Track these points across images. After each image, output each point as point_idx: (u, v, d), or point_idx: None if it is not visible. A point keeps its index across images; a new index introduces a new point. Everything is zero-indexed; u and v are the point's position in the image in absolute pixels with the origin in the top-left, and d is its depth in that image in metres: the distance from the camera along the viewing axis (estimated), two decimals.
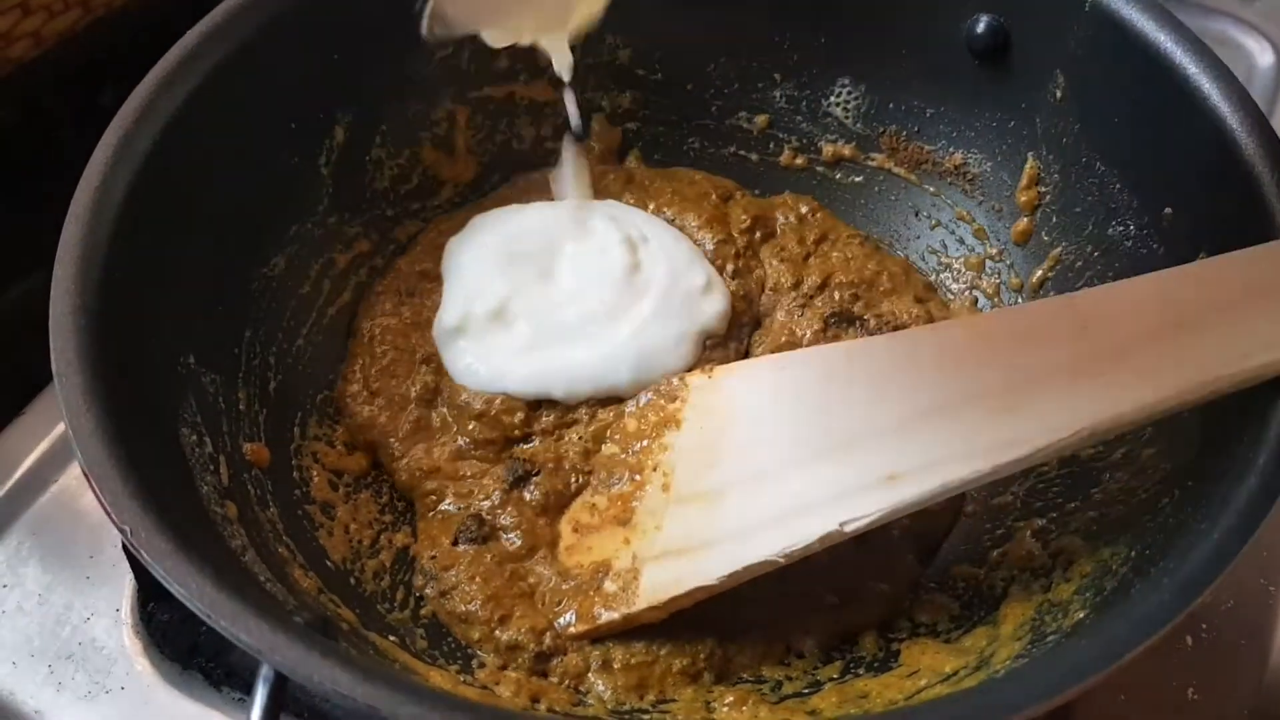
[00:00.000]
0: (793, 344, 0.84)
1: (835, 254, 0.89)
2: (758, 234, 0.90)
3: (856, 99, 0.92)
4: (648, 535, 0.71)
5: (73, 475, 0.85)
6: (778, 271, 0.88)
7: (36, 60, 0.99)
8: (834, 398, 0.68)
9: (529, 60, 0.90)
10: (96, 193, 0.66)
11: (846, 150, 0.93)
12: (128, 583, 0.78)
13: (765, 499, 0.67)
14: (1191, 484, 0.64)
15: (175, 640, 0.76)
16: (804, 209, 0.91)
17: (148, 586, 0.77)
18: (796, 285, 0.87)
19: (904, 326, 0.84)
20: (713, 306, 0.83)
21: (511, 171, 0.94)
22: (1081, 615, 0.62)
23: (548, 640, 0.71)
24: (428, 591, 0.75)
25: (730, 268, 0.87)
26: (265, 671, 0.54)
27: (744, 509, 0.68)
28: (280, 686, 0.55)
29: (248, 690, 0.72)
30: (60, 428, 0.86)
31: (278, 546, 0.69)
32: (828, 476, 0.65)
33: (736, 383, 0.75)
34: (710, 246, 0.88)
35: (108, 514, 0.56)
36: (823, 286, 0.87)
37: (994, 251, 0.88)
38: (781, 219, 0.91)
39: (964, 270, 0.89)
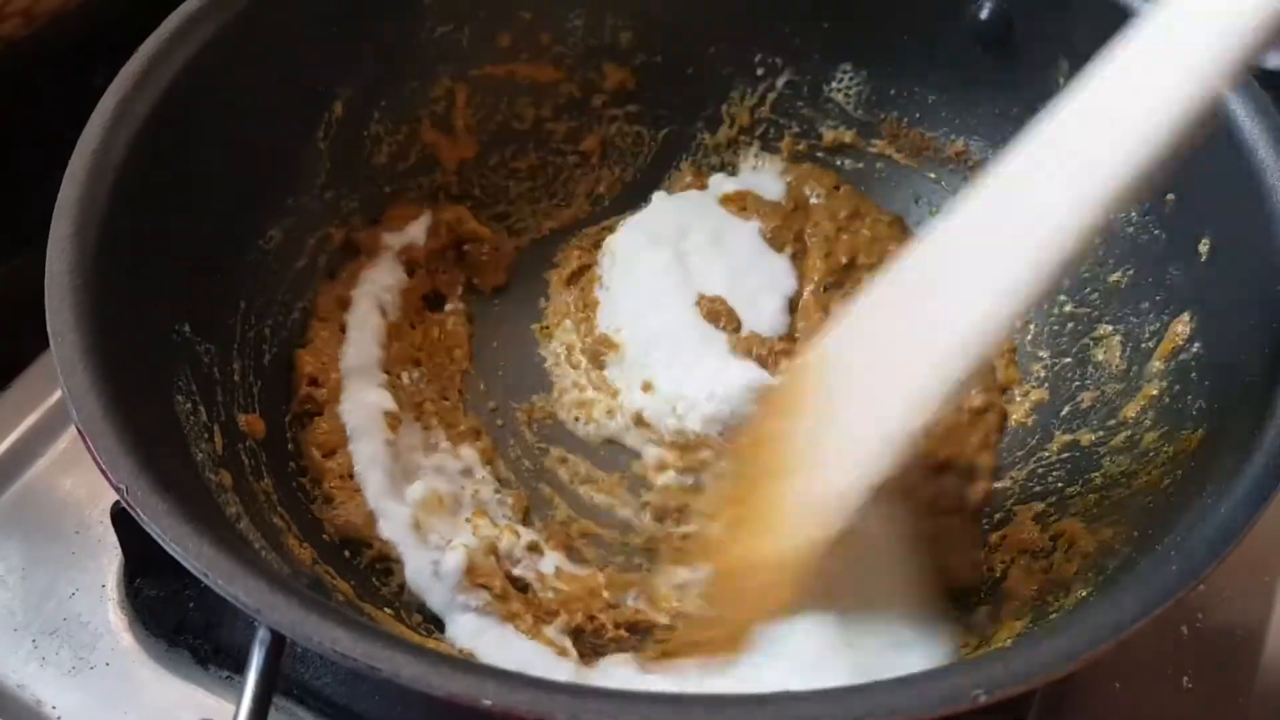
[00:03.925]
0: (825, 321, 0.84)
1: (865, 231, 0.89)
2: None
3: (858, 85, 0.92)
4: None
5: (58, 450, 0.83)
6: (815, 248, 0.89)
7: (27, 39, 0.98)
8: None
9: (530, 38, 0.90)
10: (95, 155, 0.66)
11: (847, 136, 0.93)
12: (114, 558, 0.77)
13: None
14: (1194, 464, 0.64)
15: (162, 617, 0.74)
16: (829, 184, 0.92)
17: (134, 561, 0.76)
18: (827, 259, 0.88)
19: None
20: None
21: (512, 152, 0.93)
22: (1084, 593, 0.62)
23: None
24: None
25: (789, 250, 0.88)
26: (262, 634, 0.53)
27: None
28: (277, 651, 0.54)
29: (235, 668, 0.72)
30: (45, 404, 0.85)
31: (272, 517, 0.68)
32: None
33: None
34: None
35: (103, 473, 0.55)
36: (850, 266, 0.87)
37: None
38: (811, 194, 0.92)
39: None
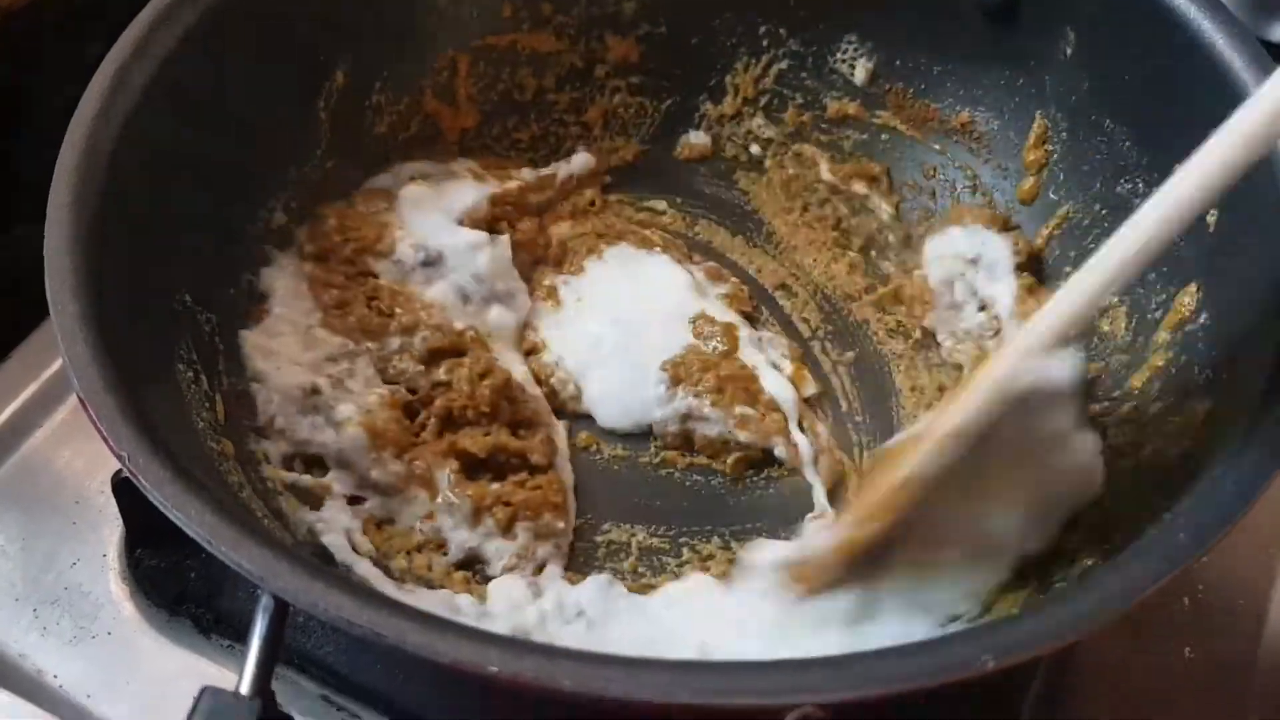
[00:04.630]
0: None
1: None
2: None
3: (863, 56, 0.91)
4: None
5: (58, 421, 0.83)
6: None
7: (26, 8, 0.97)
8: None
9: (532, 8, 0.89)
10: (93, 123, 0.65)
11: (851, 108, 0.92)
12: (115, 528, 0.77)
13: None
14: (1202, 435, 0.64)
15: (163, 586, 0.74)
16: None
17: (135, 531, 0.75)
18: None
19: None
20: None
21: (514, 122, 0.92)
22: (1090, 563, 0.62)
23: None
24: None
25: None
26: (265, 602, 0.53)
27: None
28: (280, 619, 0.53)
29: (237, 637, 0.72)
30: (44, 375, 0.84)
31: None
32: None
33: None
34: None
35: (105, 441, 0.54)
36: None
37: (1000, 209, 0.88)
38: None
39: None
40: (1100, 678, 0.73)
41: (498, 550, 0.72)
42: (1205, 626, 0.76)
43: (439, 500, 0.73)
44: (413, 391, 0.77)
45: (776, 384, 0.80)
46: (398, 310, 0.79)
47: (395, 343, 0.78)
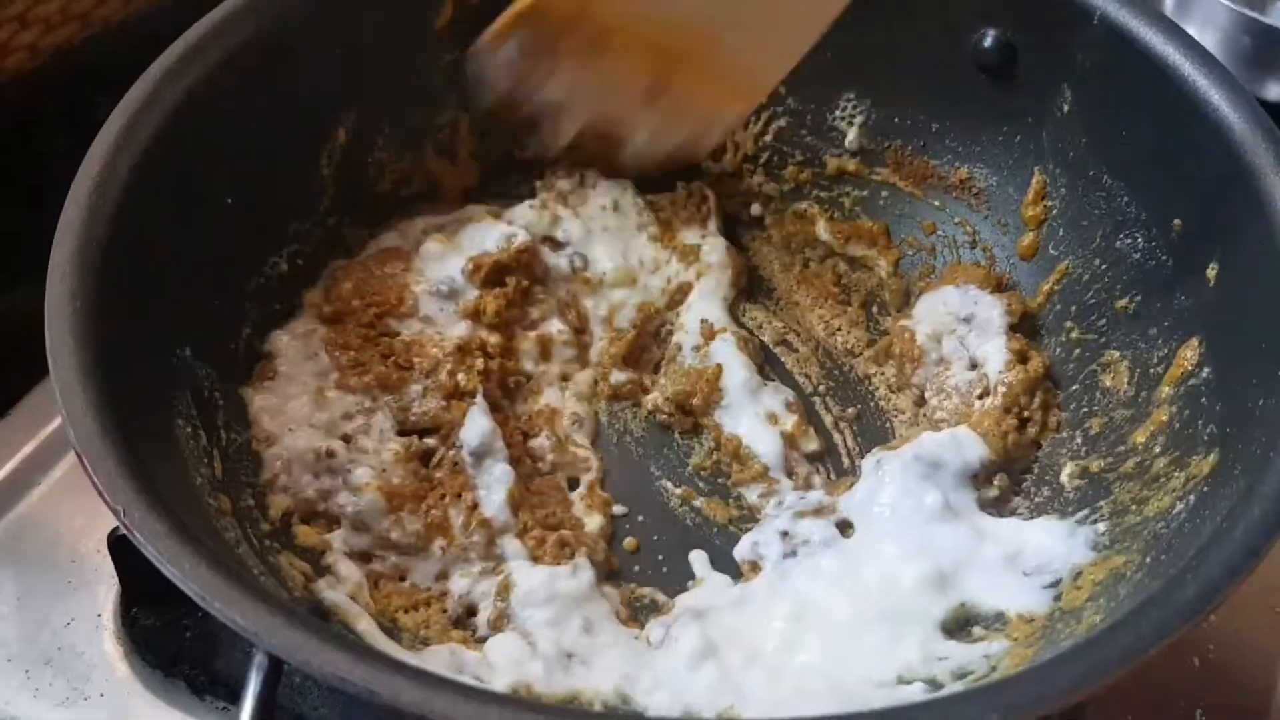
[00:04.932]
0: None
1: None
2: None
3: (862, 113, 0.91)
4: None
5: (55, 479, 0.82)
6: None
7: (32, 73, 0.98)
8: None
9: None
10: (98, 177, 0.66)
11: (851, 165, 0.93)
12: (110, 587, 0.76)
13: None
14: (1207, 489, 0.63)
15: (158, 647, 0.73)
16: None
17: (131, 590, 0.74)
18: None
19: None
20: None
21: (514, 181, 0.93)
22: (1096, 620, 0.61)
23: None
24: None
25: None
26: (259, 659, 0.52)
27: None
28: (274, 677, 0.53)
29: (231, 699, 0.71)
30: (42, 433, 0.84)
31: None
32: None
33: None
34: None
35: (101, 495, 0.54)
36: None
37: (1000, 268, 0.88)
38: None
39: None
40: None
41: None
42: (1216, 686, 0.75)
43: (456, 544, 0.72)
44: (434, 429, 0.77)
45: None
46: (416, 360, 0.79)
47: (417, 389, 0.78)
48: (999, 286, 0.85)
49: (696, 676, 0.64)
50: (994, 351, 0.81)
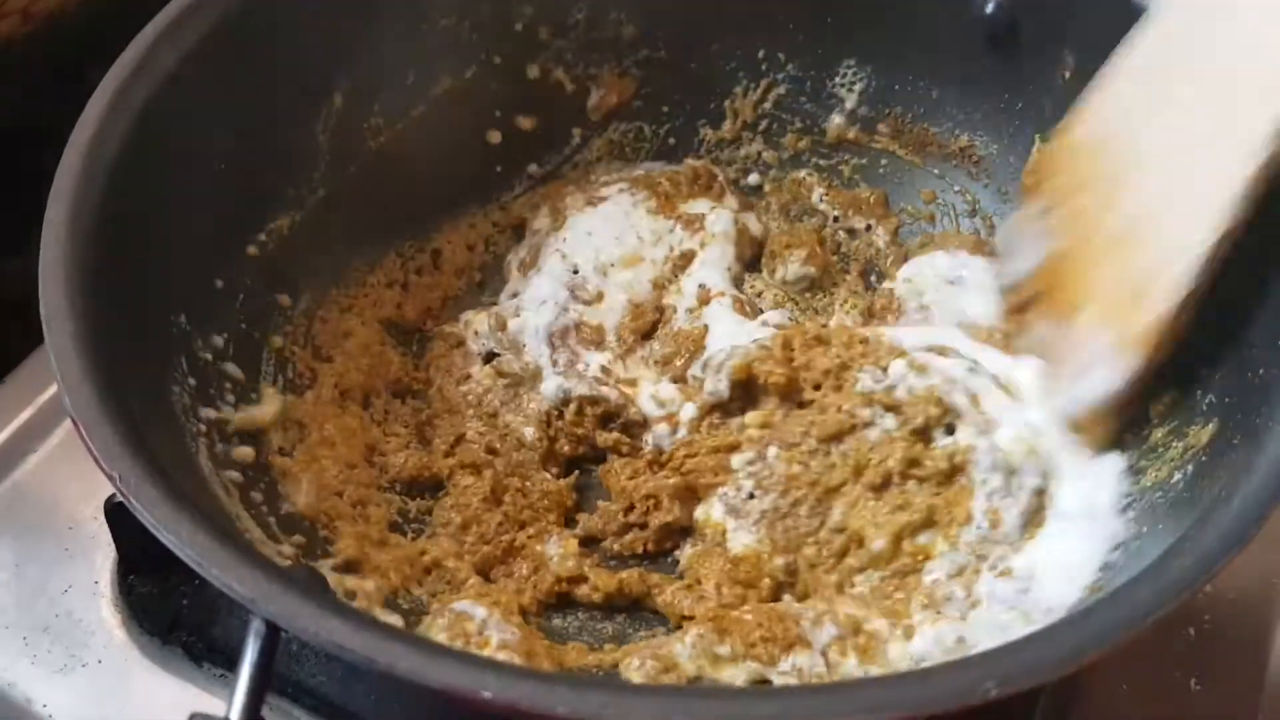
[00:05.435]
0: None
1: None
2: None
3: (862, 80, 0.91)
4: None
5: (51, 447, 0.83)
6: None
7: (24, 37, 0.97)
8: None
9: (529, 33, 0.89)
10: (90, 142, 0.65)
11: (850, 132, 0.92)
12: (107, 554, 0.76)
13: None
14: (1205, 459, 0.63)
15: (155, 614, 0.74)
16: None
17: (128, 558, 0.75)
18: None
19: None
20: None
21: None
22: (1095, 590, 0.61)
23: None
24: None
25: None
26: (256, 626, 0.52)
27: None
28: (271, 644, 0.53)
29: (228, 666, 0.71)
30: (37, 401, 0.84)
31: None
32: None
33: None
34: None
35: (96, 461, 0.54)
36: None
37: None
38: None
39: None
40: (1104, 710, 0.72)
41: None
42: (1210, 657, 0.75)
43: None
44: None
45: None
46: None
47: None
48: (990, 252, 0.85)
49: None
50: (981, 304, 0.80)
